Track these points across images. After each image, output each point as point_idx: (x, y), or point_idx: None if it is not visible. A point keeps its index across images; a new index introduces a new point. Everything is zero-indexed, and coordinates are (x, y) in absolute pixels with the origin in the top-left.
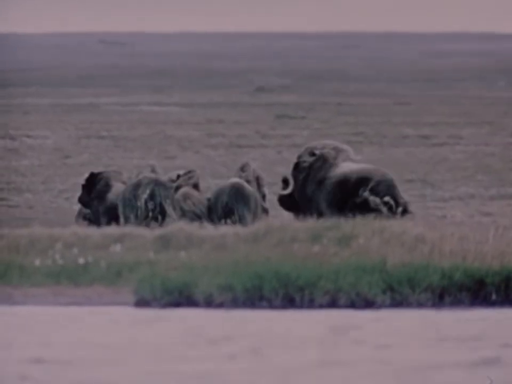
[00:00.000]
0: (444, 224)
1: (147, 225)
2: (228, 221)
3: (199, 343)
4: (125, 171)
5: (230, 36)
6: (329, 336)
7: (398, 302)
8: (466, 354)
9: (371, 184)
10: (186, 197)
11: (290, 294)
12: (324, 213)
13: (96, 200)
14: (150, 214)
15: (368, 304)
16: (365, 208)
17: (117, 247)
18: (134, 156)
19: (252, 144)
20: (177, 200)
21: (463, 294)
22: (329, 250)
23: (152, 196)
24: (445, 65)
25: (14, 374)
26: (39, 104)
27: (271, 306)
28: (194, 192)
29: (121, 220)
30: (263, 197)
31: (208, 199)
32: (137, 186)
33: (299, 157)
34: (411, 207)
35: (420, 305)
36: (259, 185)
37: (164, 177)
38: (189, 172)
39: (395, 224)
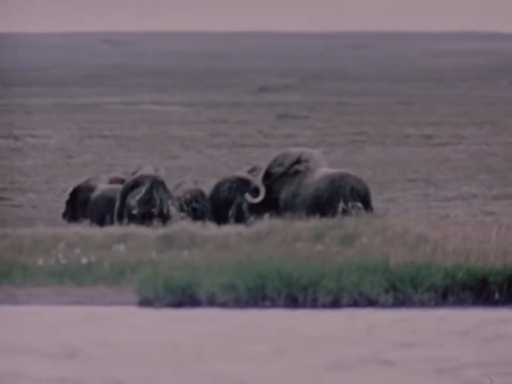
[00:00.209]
0: (447, 223)
1: (147, 225)
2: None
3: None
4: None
5: (233, 36)
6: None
7: (401, 301)
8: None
9: (344, 191)
10: (188, 194)
11: (293, 293)
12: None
13: (80, 208)
14: (150, 211)
15: (371, 303)
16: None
17: (120, 247)
18: (137, 155)
19: (254, 143)
20: (179, 198)
21: (466, 293)
22: (332, 249)
23: (149, 195)
24: (447, 65)
25: (14, 374)
26: (42, 104)
27: (274, 305)
28: (196, 189)
29: (115, 218)
30: None
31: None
32: (134, 184)
33: (269, 166)
34: (413, 206)
35: (423, 304)
36: None
37: (162, 174)
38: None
39: (398, 224)
